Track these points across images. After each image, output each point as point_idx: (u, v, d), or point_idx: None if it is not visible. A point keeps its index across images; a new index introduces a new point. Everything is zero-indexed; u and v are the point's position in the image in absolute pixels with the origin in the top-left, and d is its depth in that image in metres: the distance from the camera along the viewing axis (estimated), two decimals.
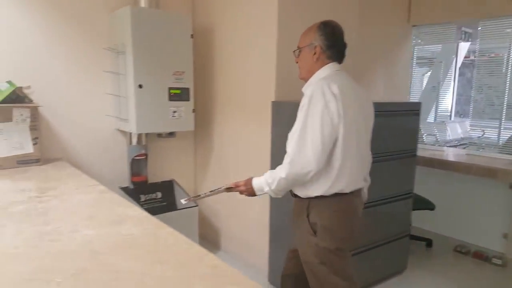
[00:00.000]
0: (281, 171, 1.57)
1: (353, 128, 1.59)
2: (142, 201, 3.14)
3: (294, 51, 1.78)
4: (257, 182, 1.67)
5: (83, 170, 2.55)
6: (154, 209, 3.13)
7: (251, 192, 1.70)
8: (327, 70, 1.66)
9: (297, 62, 1.77)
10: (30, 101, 2.51)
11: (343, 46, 1.69)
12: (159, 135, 3.13)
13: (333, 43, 1.66)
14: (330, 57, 1.67)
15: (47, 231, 1.35)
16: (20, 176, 2.20)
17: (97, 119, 2.96)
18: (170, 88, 2.88)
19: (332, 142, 1.54)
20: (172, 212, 2.98)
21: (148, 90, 2.75)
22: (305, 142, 1.52)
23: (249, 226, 3.03)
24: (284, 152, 1.61)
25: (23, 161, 2.44)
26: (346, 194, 1.64)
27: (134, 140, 2.99)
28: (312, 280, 1.70)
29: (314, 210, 1.67)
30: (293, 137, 1.58)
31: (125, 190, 3.05)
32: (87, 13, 2.81)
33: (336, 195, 1.62)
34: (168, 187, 3.32)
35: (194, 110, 3.03)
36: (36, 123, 2.47)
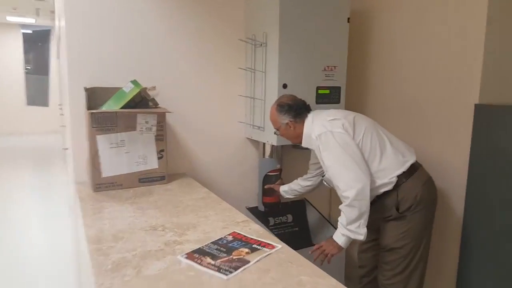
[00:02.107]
0: (345, 206, 1.64)
1: (368, 129, 1.76)
2: (272, 226, 2.56)
3: (274, 132, 1.97)
4: (337, 235, 1.69)
5: (211, 188, 2.06)
6: (285, 236, 2.54)
7: (336, 247, 1.69)
8: (309, 121, 1.83)
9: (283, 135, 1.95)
10: (156, 105, 2.05)
11: (302, 103, 1.89)
12: (295, 146, 2.49)
13: (296, 111, 1.84)
14: (302, 116, 1.85)
15: None
16: (145, 201, 1.73)
17: (226, 127, 2.44)
18: (318, 88, 2.22)
19: (360, 151, 1.69)
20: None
21: (293, 91, 2.12)
22: (343, 169, 1.66)
23: None
24: None
25: (146, 179, 1.98)
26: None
27: (268, 152, 2.40)
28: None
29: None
30: (333, 175, 1.70)
31: (253, 211, 2.49)
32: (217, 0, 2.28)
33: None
34: (299, 209, 2.70)
35: None
36: (163, 132, 2.00)
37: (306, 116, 1.84)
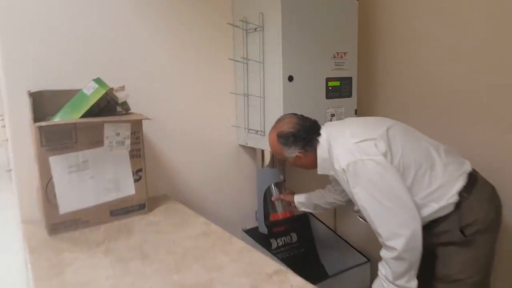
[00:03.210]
0: (391, 259, 1.24)
1: (407, 142, 1.37)
2: (275, 249, 2.13)
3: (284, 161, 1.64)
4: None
5: (198, 209, 1.65)
6: (291, 260, 2.13)
7: None
8: (324, 141, 1.43)
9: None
10: (127, 110, 1.55)
11: (309, 125, 1.48)
12: None
13: (304, 140, 1.45)
14: (313, 142, 1.45)
15: None
16: (125, 247, 1.23)
17: (215, 133, 1.97)
18: (328, 79, 1.82)
19: (402, 179, 1.29)
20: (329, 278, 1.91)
21: (299, 85, 1.71)
22: (385, 213, 1.25)
23: None
24: None
25: (121, 211, 1.48)
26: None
27: (268, 161, 1.96)
28: None
29: None
30: (371, 219, 1.28)
31: (252, 234, 2.06)
32: None
33: None
34: (304, 225, 2.29)
35: (356, 112, 1.96)
36: (140, 146, 1.51)
37: (318, 140, 1.46)
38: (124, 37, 1.66)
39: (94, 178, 1.41)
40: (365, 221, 1.43)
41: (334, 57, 1.82)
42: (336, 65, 1.83)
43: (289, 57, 1.66)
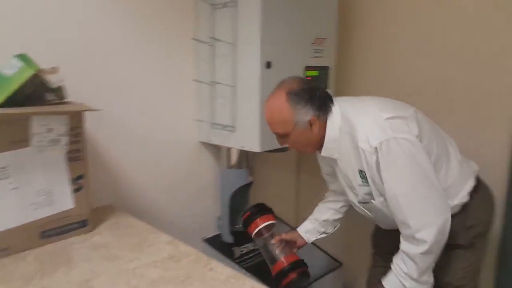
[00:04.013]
0: (420, 254, 1.06)
1: (431, 128, 1.23)
2: (238, 258, 1.87)
3: (279, 139, 1.27)
4: (392, 284, 1.13)
5: (150, 219, 1.34)
6: (256, 268, 1.89)
7: None
8: (336, 116, 1.19)
9: (289, 148, 1.30)
10: (62, 98, 1.18)
11: (321, 88, 1.27)
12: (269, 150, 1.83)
13: (319, 100, 1.19)
14: (327, 108, 1.20)
15: None
16: (64, 283, 0.90)
17: (170, 128, 1.65)
18: (306, 68, 1.59)
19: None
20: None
21: (278, 72, 1.46)
22: (419, 199, 1.08)
23: None
24: None
25: (56, 231, 1.13)
26: None
27: (234, 161, 1.70)
28: None
29: None
30: (403, 208, 1.08)
31: (213, 243, 1.79)
32: None
33: None
34: None
35: None
36: (80, 146, 1.15)
37: (331, 109, 1.20)
38: (60, 8, 1.27)
39: (18, 190, 1.05)
40: (371, 214, 1.29)
41: (314, 42, 1.59)
42: (315, 52, 1.61)
43: (268, 40, 1.40)
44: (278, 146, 1.56)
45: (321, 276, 1.76)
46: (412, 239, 1.08)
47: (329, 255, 1.90)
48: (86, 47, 1.35)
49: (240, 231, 1.87)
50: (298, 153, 2.26)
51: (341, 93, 1.91)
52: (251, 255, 1.96)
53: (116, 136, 1.47)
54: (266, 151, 1.56)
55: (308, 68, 1.60)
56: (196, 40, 1.56)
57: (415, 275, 1.09)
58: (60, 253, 1.06)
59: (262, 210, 1.53)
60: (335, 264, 1.85)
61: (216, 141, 1.64)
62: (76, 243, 1.12)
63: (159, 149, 1.62)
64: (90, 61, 1.37)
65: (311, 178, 2.26)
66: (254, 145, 1.47)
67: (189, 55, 1.62)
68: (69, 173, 1.13)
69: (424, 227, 1.06)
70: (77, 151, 1.15)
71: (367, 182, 1.17)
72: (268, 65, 1.42)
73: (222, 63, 1.52)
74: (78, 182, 1.16)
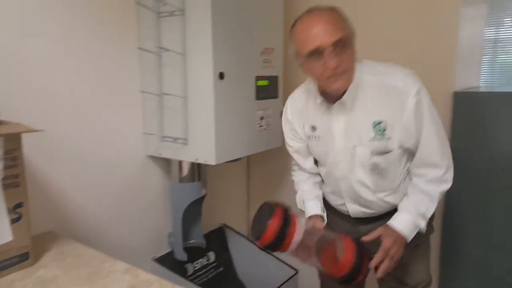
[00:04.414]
0: (439, 192, 1.16)
1: None
2: (190, 275, 1.82)
3: (336, 44, 1.03)
4: (407, 225, 1.13)
5: (95, 243, 1.30)
6: (210, 283, 1.85)
7: (403, 245, 1.13)
8: (359, 63, 1.16)
9: (336, 67, 1.05)
10: None
11: None
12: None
13: None
14: None
15: None
16: None
17: (115, 143, 1.54)
18: (257, 78, 1.58)
19: None
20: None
21: (231, 83, 1.43)
22: (445, 141, 1.17)
23: None
24: None
25: None
26: None
27: (185, 173, 1.63)
28: None
29: None
30: (435, 149, 1.14)
31: (165, 262, 1.71)
32: None
33: None
34: (220, 240, 2.04)
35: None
36: (19, 171, 1.02)
37: None
38: None
39: None
40: (355, 184, 1.20)
41: (263, 53, 1.59)
42: (264, 62, 1.61)
43: (220, 50, 1.36)
44: (232, 157, 1.54)
45: (280, 286, 1.76)
46: (440, 179, 1.15)
47: (284, 262, 1.91)
48: (21, 60, 1.21)
49: (194, 247, 1.81)
50: (247, 161, 2.24)
51: None
52: (204, 270, 1.91)
53: (57, 156, 1.34)
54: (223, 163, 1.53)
55: (259, 78, 1.59)
56: (142, 49, 1.47)
57: (429, 214, 1.15)
58: None
59: (279, 216, 1.06)
60: (291, 272, 1.86)
61: (166, 154, 1.56)
62: (18, 280, 0.99)
63: (103, 166, 1.50)
64: (27, 75, 1.23)
65: (261, 185, 2.26)
66: (209, 158, 1.42)
67: (134, 65, 1.53)
68: (5, 202, 1.00)
69: (450, 168, 1.15)
70: (15, 176, 1.02)
71: (382, 134, 1.13)
72: (221, 75, 1.38)
73: (170, 74, 1.45)
74: (16, 211, 1.03)
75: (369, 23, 1.69)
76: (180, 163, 1.61)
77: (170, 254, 1.75)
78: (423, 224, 1.15)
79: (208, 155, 1.42)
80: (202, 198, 1.71)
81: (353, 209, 1.27)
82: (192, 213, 1.72)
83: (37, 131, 0.99)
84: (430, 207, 1.15)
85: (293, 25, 1.12)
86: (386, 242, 1.09)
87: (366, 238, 1.13)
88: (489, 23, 1.74)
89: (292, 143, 1.33)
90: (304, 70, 1.13)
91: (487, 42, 1.75)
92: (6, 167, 0.99)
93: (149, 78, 1.51)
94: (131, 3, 1.48)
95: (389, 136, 1.13)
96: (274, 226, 1.03)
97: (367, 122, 1.14)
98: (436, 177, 1.15)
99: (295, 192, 1.38)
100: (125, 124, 1.55)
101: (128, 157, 1.59)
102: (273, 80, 1.68)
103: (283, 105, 1.71)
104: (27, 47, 1.23)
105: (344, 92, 1.13)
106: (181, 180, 1.63)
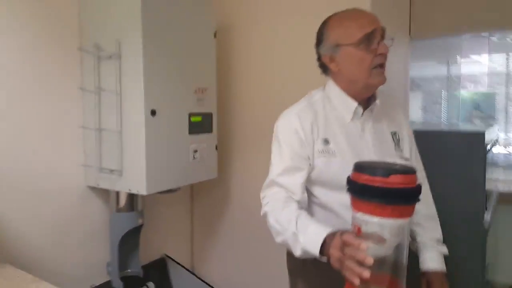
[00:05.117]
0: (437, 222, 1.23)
1: None
2: None
3: (384, 31, 1.05)
4: (440, 262, 1.16)
5: (36, 272, 1.29)
6: None
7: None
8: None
9: (387, 54, 1.06)
10: None
11: None
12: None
13: None
14: None
15: None
16: None
17: (56, 174, 1.64)
18: (190, 114, 1.76)
19: None
20: None
21: (163, 119, 1.60)
22: None
23: None
24: None
25: None
26: None
27: (123, 204, 1.74)
28: None
29: None
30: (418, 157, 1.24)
31: None
32: None
33: None
34: (160, 270, 2.12)
35: (217, 147, 1.94)
36: None
37: None
38: None
39: None
40: None
41: (196, 92, 1.78)
42: (198, 100, 1.79)
43: (152, 89, 1.54)
44: (164, 187, 1.68)
45: None
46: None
47: (208, 284, 2.01)
48: None
49: (132, 276, 1.88)
50: (190, 192, 2.35)
51: (224, 136, 2.12)
52: None
53: None
54: (157, 193, 1.66)
55: (192, 114, 1.76)
56: (83, 89, 1.63)
57: (441, 239, 1.19)
58: None
59: None
60: None
61: (104, 185, 1.68)
62: None
63: (44, 195, 1.59)
64: None
65: (205, 216, 2.36)
66: (140, 188, 1.55)
67: (77, 102, 1.67)
68: None
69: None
70: None
71: (398, 144, 1.13)
72: (153, 112, 1.55)
73: (108, 111, 1.60)
74: None
75: None
76: (117, 193, 1.72)
77: (108, 283, 1.81)
78: (445, 249, 1.19)
79: (140, 186, 1.55)
80: (139, 228, 1.80)
81: None
82: (129, 242, 1.81)
83: None
84: (439, 235, 1.20)
85: (328, 21, 1.10)
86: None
87: None
88: None
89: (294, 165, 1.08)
90: (341, 64, 1.07)
91: None
92: None
93: (90, 114, 1.66)
94: (74, 48, 1.64)
95: (402, 148, 1.15)
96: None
97: (387, 132, 1.14)
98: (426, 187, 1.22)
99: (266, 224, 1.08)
100: (67, 157, 1.66)
101: (69, 187, 1.69)
102: (207, 116, 1.86)
103: (218, 139, 1.90)
104: None
105: (370, 98, 1.11)
106: (118, 210, 1.74)
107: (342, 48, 1.05)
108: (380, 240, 0.75)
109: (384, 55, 1.04)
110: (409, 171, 0.76)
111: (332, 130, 1.09)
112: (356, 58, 1.04)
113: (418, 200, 0.75)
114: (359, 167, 0.78)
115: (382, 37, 1.04)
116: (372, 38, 1.02)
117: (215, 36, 1.89)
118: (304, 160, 1.07)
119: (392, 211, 0.71)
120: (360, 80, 1.06)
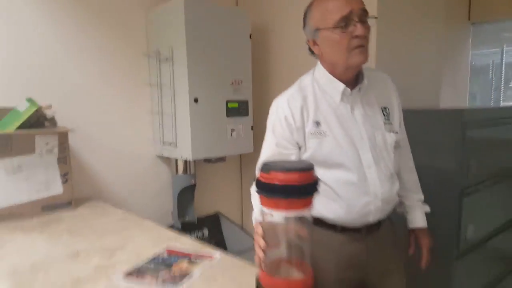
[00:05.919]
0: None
1: None
2: None
3: (363, 11, 1.05)
4: (423, 219, 1.35)
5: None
6: None
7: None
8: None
9: (365, 35, 1.05)
10: (55, 125, 1.87)
11: None
12: (208, 160, 2.50)
13: None
14: None
15: None
16: (56, 229, 1.54)
17: (134, 145, 2.33)
18: (228, 101, 2.28)
19: None
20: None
21: (204, 105, 2.15)
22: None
23: None
24: None
25: (51, 206, 1.78)
26: None
27: (181, 169, 2.36)
28: None
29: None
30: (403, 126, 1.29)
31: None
32: (117, 12, 2.19)
33: None
34: (214, 222, 2.71)
35: (252, 127, 2.44)
36: (66, 154, 1.82)
37: None
38: (53, 67, 1.98)
39: (28, 180, 1.71)
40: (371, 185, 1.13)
41: (232, 84, 2.29)
42: (234, 90, 2.31)
43: (194, 83, 2.09)
44: (208, 156, 2.24)
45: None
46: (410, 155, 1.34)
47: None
48: (74, 92, 2.05)
49: (187, 222, 2.50)
50: (240, 162, 2.91)
51: (259, 119, 2.61)
52: (199, 241, 2.58)
53: (96, 151, 2.15)
54: (206, 161, 2.24)
55: (229, 101, 2.29)
56: (150, 84, 2.27)
57: (422, 197, 1.33)
58: (54, 218, 1.70)
59: None
60: None
61: (166, 154, 2.31)
62: (64, 214, 1.76)
63: (126, 160, 2.29)
64: (74, 101, 2.06)
65: (252, 179, 2.90)
66: (188, 155, 2.14)
67: (146, 94, 2.32)
68: (59, 171, 1.80)
69: None
70: (64, 157, 1.81)
71: (388, 118, 1.16)
72: (196, 100, 2.11)
73: (166, 100, 2.21)
74: (65, 177, 1.82)
75: None
76: (176, 160, 2.34)
77: (171, 227, 2.47)
78: (427, 208, 1.33)
79: (187, 154, 2.13)
80: (192, 187, 2.41)
81: (377, 207, 1.13)
82: (186, 197, 2.43)
83: (72, 131, 1.79)
84: (420, 193, 1.33)
85: (311, 3, 1.11)
86: (429, 242, 1.31)
87: (412, 251, 1.31)
88: None
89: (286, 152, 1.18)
90: (321, 48, 1.09)
91: None
92: (59, 151, 1.79)
93: (154, 102, 2.30)
94: (141, 54, 2.29)
95: (392, 121, 1.18)
96: None
97: (377, 108, 1.16)
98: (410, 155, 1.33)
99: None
100: (141, 133, 2.34)
101: (143, 155, 2.36)
102: (243, 103, 2.36)
103: (253, 121, 2.40)
104: (77, 87, 2.07)
105: (357, 77, 1.13)
106: (177, 172, 2.36)
107: (321, 32, 1.06)
108: (285, 229, 0.85)
109: (361, 37, 1.02)
110: (293, 170, 0.78)
111: (322, 112, 1.12)
112: (333, 41, 1.04)
113: (306, 196, 0.77)
114: (263, 166, 0.83)
115: (362, 18, 1.02)
116: (349, 20, 1.01)
117: (250, 37, 2.37)
118: (291, 145, 1.15)
119: (276, 204, 0.78)
120: (340, 63, 1.08)
